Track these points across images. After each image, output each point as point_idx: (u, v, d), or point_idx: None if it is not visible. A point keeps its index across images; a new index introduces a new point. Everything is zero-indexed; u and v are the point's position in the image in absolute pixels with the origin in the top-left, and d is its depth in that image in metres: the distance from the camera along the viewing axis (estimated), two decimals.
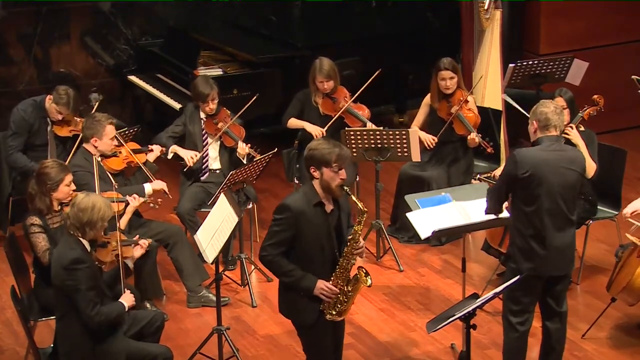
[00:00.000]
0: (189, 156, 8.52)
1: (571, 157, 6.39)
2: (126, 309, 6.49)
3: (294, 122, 9.05)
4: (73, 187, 7.23)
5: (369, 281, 6.11)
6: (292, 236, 6.06)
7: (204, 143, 8.62)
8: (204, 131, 8.62)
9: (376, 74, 8.90)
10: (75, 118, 8.66)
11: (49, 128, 8.73)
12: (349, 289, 6.15)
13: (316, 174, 6.09)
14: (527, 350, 6.61)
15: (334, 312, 6.17)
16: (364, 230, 8.66)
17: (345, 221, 6.22)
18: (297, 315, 6.25)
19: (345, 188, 6.09)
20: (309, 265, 6.11)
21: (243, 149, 8.50)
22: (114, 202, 7.37)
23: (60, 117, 8.62)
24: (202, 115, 8.63)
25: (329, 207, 6.13)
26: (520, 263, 6.38)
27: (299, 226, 6.04)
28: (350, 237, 6.14)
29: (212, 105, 8.56)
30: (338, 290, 6.13)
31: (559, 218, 6.34)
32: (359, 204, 6.13)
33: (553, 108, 6.41)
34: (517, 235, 6.40)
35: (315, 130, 8.85)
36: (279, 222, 6.07)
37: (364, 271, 6.14)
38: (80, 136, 8.14)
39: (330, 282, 6.14)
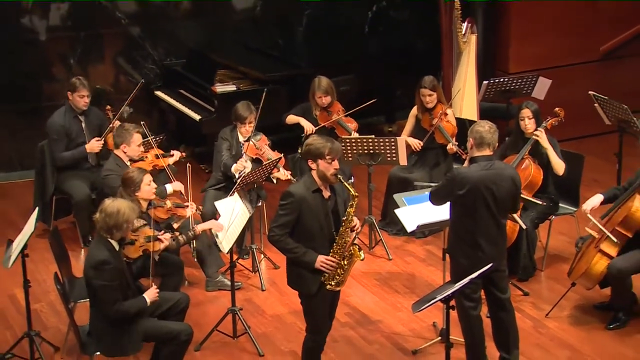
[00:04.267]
0: (242, 164, 8.33)
1: (503, 174, 6.31)
2: (148, 304, 6.43)
3: (291, 118, 9.03)
4: (154, 185, 7.16)
5: (362, 255, 6.21)
6: (296, 219, 6.16)
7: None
8: (242, 152, 8.46)
9: (370, 102, 8.92)
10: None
11: (82, 125, 8.75)
12: (345, 262, 6.25)
13: (313, 165, 6.19)
14: (483, 329, 6.54)
15: (333, 283, 6.28)
16: None
17: (341, 206, 6.30)
18: (302, 286, 6.34)
19: (339, 176, 6.18)
20: (311, 243, 6.21)
21: (285, 175, 8.36)
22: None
23: (86, 100, 8.65)
24: (241, 138, 8.48)
25: (326, 194, 6.24)
26: (459, 259, 6.39)
27: (301, 209, 6.14)
28: (344, 219, 6.25)
29: (249, 128, 8.40)
30: (336, 263, 6.23)
31: (493, 226, 6.31)
32: (351, 190, 6.21)
33: (488, 127, 6.32)
34: (457, 240, 6.39)
35: (308, 125, 8.87)
36: (284, 207, 6.17)
37: (358, 247, 6.24)
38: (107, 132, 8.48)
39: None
